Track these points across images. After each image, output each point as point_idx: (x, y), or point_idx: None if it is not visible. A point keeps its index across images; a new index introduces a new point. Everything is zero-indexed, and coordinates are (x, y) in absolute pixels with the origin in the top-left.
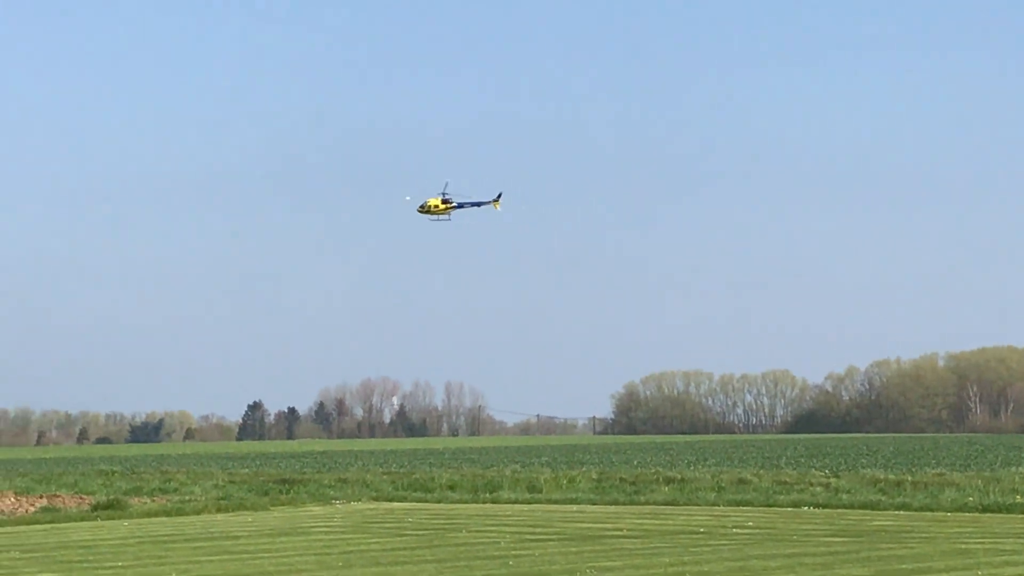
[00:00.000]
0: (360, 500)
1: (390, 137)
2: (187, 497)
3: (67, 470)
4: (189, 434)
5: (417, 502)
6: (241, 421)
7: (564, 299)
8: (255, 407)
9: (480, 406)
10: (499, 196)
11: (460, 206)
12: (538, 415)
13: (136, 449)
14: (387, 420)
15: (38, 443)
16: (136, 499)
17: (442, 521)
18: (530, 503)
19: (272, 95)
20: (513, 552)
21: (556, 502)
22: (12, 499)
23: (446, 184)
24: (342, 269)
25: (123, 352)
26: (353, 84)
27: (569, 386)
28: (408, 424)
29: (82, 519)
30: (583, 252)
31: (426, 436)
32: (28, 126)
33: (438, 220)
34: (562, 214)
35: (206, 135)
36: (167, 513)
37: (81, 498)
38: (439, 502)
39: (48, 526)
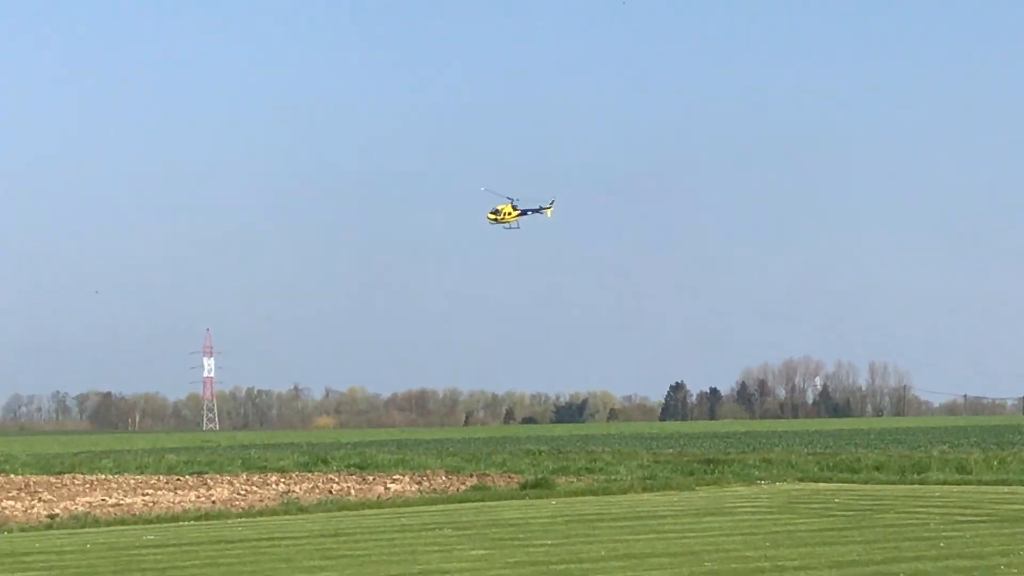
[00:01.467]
0: (785, 480)
1: None
2: (612, 477)
3: (495, 450)
4: (612, 414)
5: (843, 483)
6: (663, 401)
7: (986, 275)
8: (677, 388)
9: (905, 386)
10: (552, 203)
11: (524, 213)
12: (965, 395)
13: (561, 429)
14: (810, 400)
15: (466, 423)
16: (562, 478)
17: (869, 502)
18: (959, 484)
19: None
20: (943, 533)
21: (987, 483)
22: (444, 477)
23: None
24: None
25: (547, 334)
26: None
27: (997, 365)
28: (831, 404)
29: (511, 498)
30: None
31: (850, 416)
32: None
33: (509, 228)
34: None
35: None
36: (593, 492)
37: (510, 477)
38: (865, 483)
39: (479, 504)
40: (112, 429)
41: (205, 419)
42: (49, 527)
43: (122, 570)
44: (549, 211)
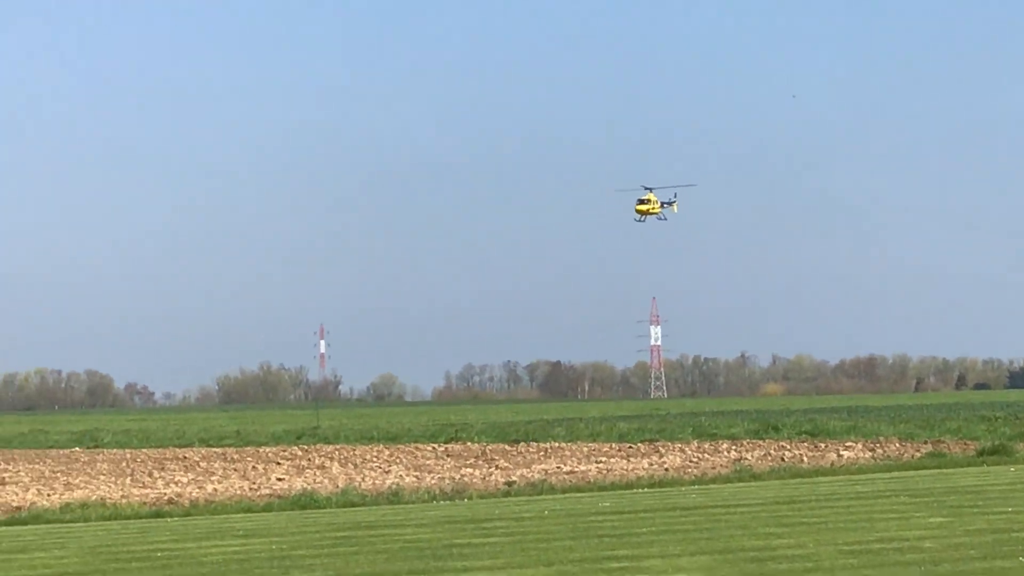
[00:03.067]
0: None
1: None
2: None
3: (948, 415)
4: None
5: None
6: None
7: None
8: None
9: None
10: (675, 196)
11: (663, 205)
12: None
13: (1015, 395)
14: None
15: (916, 389)
16: (1021, 445)
17: None
18: None
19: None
20: None
21: None
22: (897, 444)
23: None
24: None
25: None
26: None
27: None
28: None
29: (968, 464)
30: None
31: None
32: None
33: (660, 219)
34: None
35: None
36: None
37: (965, 444)
38: None
39: (935, 471)
40: (561, 397)
41: (653, 387)
42: (507, 494)
43: (579, 535)
44: (675, 206)
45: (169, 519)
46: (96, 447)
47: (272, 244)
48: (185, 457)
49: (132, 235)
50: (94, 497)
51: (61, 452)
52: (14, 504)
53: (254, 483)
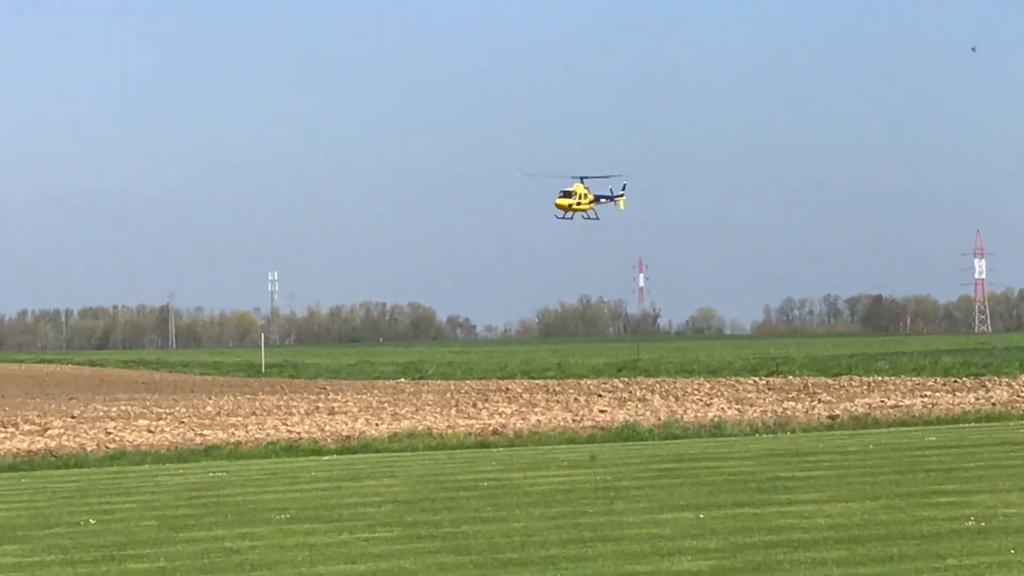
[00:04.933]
0: None
1: None
2: None
3: None
4: None
5: None
6: None
7: None
8: None
9: None
10: (624, 188)
11: (598, 200)
12: None
13: None
14: None
15: None
16: None
17: None
18: None
19: None
20: None
21: None
22: None
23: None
24: None
25: None
26: None
27: None
28: None
29: None
30: None
31: None
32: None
33: (588, 218)
34: None
35: None
36: None
37: None
38: None
39: None
40: (883, 331)
41: (977, 321)
42: (830, 428)
43: (905, 470)
44: (621, 201)
45: (494, 449)
46: (421, 378)
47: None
48: (508, 389)
49: (456, 172)
50: (420, 427)
51: (387, 383)
52: (344, 433)
53: (576, 415)
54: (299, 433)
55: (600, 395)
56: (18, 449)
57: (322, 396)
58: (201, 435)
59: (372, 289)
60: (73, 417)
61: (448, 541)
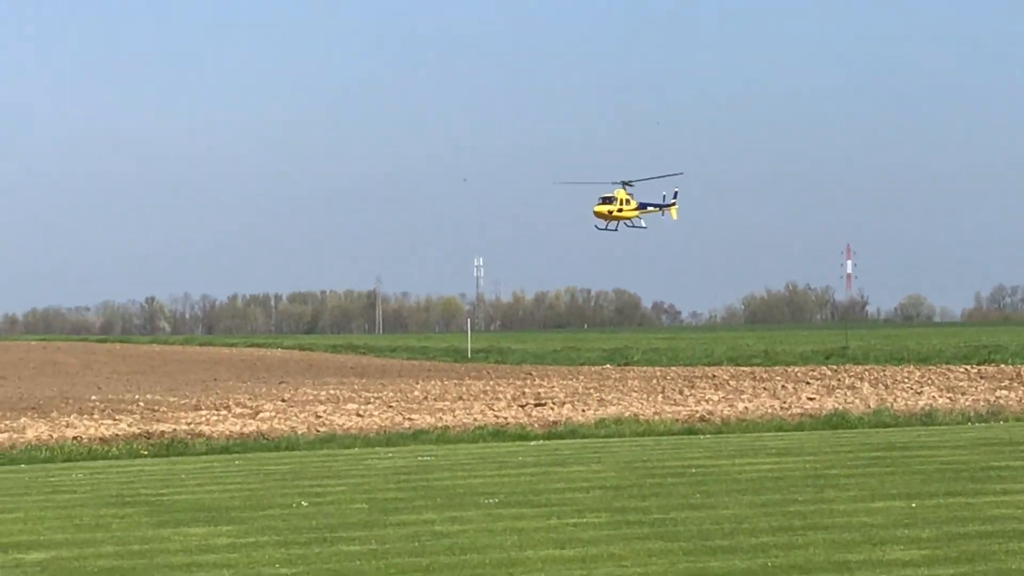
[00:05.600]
0: None
1: None
2: None
3: None
4: None
5: None
6: None
7: None
8: None
9: None
10: (676, 195)
11: (644, 207)
12: None
13: None
14: None
15: None
16: None
17: None
18: None
19: None
20: None
21: None
22: None
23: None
24: None
25: None
26: None
27: None
28: None
29: None
30: None
31: None
32: None
33: (633, 225)
34: None
35: None
36: None
37: None
38: None
39: None
40: None
41: None
42: None
43: None
44: (673, 211)
45: (701, 436)
46: (626, 364)
47: (800, 167)
48: (714, 376)
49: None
50: (627, 413)
51: (592, 369)
52: (551, 419)
53: (784, 402)
54: (506, 418)
55: (808, 382)
56: (231, 431)
57: (528, 381)
58: (409, 419)
59: (577, 275)
60: (284, 401)
61: (657, 527)
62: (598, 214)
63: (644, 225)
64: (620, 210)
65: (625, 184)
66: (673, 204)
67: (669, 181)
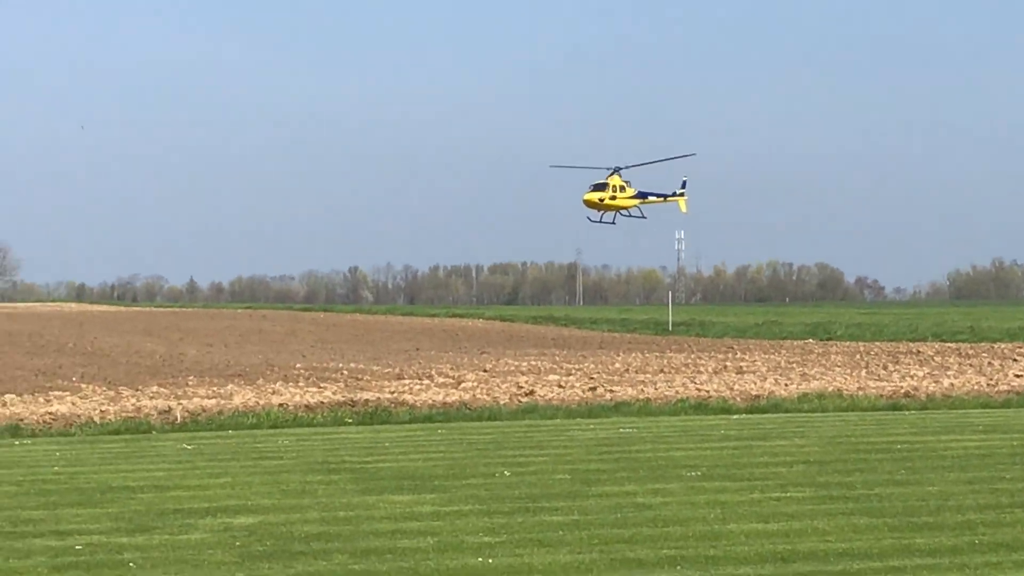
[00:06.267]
0: None
1: None
2: None
3: None
4: None
5: None
6: None
7: None
8: None
9: None
10: (684, 185)
11: (644, 196)
12: None
13: None
14: None
15: None
16: None
17: None
18: None
19: None
20: None
21: None
22: None
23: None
24: None
25: None
26: None
27: None
28: None
29: None
30: None
31: None
32: None
33: (630, 215)
34: None
35: None
36: None
37: None
38: None
39: None
40: None
41: None
42: None
43: None
44: (683, 202)
45: (906, 412)
46: (829, 339)
47: (1010, 138)
48: (919, 351)
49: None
50: (830, 388)
51: (795, 343)
52: (753, 393)
53: (991, 379)
54: (708, 392)
55: (1015, 359)
56: (433, 401)
57: (729, 355)
58: (611, 391)
59: (778, 249)
60: (485, 371)
61: (861, 503)
62: (588, 203)
63: (643, 216)
64: (613, 198)
65: (617, 170)
66: (682, 195)
67: (678, 179)
